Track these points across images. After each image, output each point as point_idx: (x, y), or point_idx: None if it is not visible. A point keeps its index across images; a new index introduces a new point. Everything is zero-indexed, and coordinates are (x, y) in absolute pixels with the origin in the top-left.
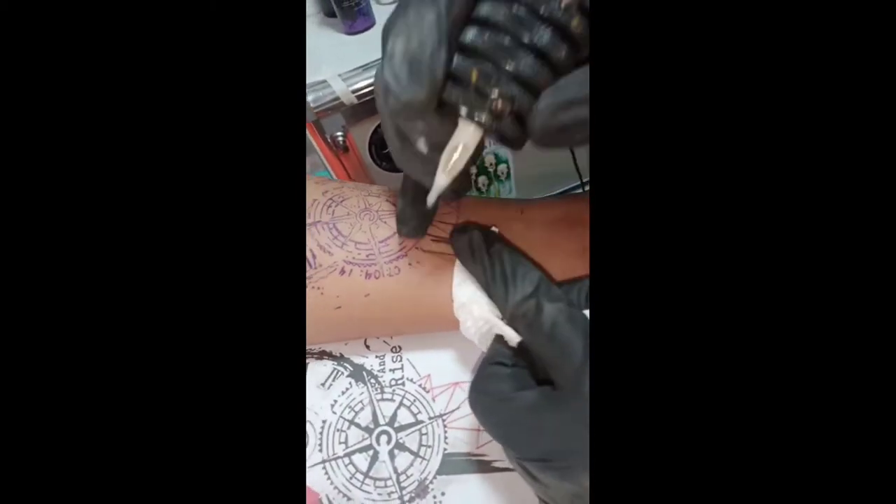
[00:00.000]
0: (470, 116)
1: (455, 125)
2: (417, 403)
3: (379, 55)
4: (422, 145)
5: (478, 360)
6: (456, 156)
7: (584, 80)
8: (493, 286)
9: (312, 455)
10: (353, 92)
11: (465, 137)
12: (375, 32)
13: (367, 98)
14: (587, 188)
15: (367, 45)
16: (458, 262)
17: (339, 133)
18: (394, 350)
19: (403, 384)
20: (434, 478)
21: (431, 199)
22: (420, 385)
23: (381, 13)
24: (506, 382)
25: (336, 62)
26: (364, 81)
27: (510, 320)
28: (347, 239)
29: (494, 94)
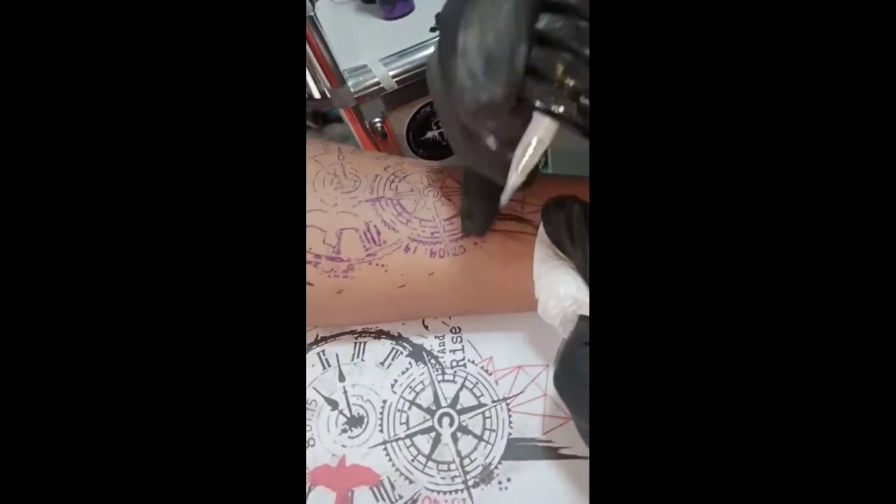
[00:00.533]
0: (552, 112)
1: (526, 119)
2: (480, 386)
3: (418, 39)
4: (491, 142)
5: (553, 345)
6: (530, 152)
7: None
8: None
9: (373, 435)
10: (394, 77)
11: (541, 132)
12: (414, 17)
13: (408, 83)
14: None
15: (407, 31)
16: (539, 236)
17: (377, 119)
18: (453, 331)
19: (465, 366)
20: (499, 463)
21: (505, 199)
22: (482, 367)
23: None
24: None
25: (375, 48)
26: (404, 66)
27: None
28: (412, 215)
29: (580, 87)
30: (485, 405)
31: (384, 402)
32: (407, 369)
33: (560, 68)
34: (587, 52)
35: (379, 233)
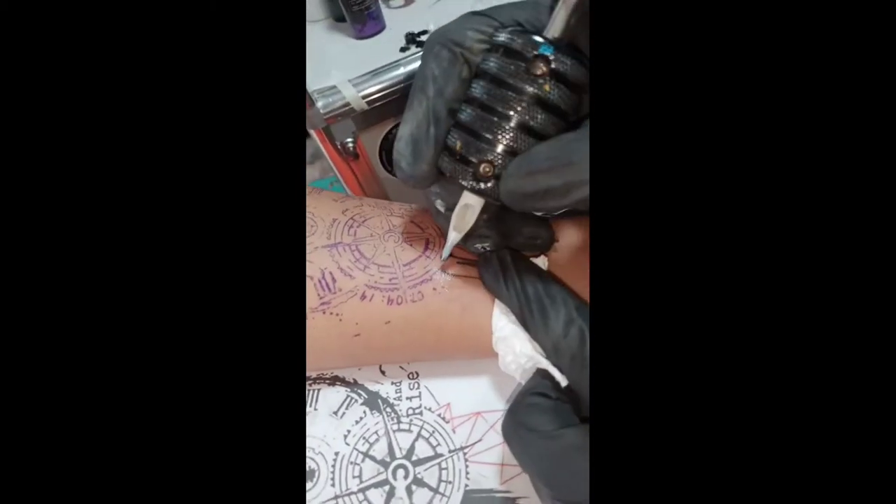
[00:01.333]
0: (459, 181)
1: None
2: (437, 435)
3: (390, 59)
4: (439, 206)
5: (514, 389)
6: (464, 216)
7: (555, 148)
8: (529, 314)
9: (324, 490)
10: (364, 97)
11: (470, 199)
12: (386, 37)
13: (378, 104)
14: None
15: (378, 50)
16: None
17: (349, 139)
18: (410, 376)
19: (421, 414)
20: None
21: (445, 254)
22: (439, 415)
23: (392, 17)
24: (548, 416)
25: (346, 67)
26: (374, 87)
27: (552, 352)
28: (370, 262)
29: (477, 159)
30: (441, 455)
31: (336, 454)
32: (361, 418)
33: (458, 144)
34: (488, 135)
35: (335, 280)
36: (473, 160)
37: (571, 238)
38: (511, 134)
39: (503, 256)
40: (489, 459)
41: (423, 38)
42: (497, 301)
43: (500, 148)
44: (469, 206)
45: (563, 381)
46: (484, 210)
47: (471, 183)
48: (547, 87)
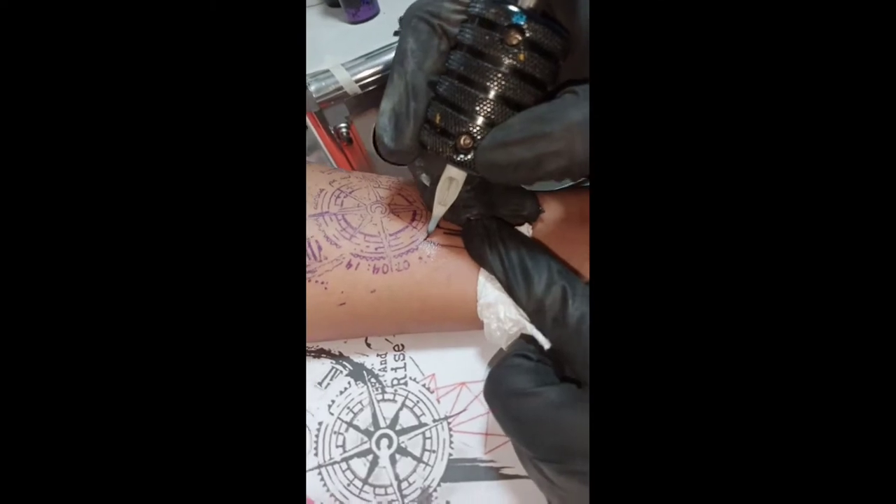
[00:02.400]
0: (440, 154)
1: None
2: (421, 405)
3: (384, 43)
4: (424, 179)
5: (494, 356)
6: (448, 189)
7: (528, 120)
8: (513, 277)
9: (308, 460)
10: (357, 81)
11: (453, 172)
12: (380, 21)
13: (372, 88)
14: None
15: (372, 34)
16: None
17: (342, 124)
18: (396, 348)
19: (406, 384)
20: (438, 485)
21: (430, 227)
22: (424, 385)
23: (386, 2)
24: (528, 376)
25: (339, 52)
26: (368, 71)
27: (534, 314)
28: (357, 231)
29: (456, 132)
30: (425, 425)
31: (320, 424)
32: (345, 389)
33: (438, 117)
34: (466, 107)
35: (320, 248)
36: (453, 132)
37: (556, 210)
38: (489, 105)
39: (488, 223)
40: (473, 429)
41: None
42: (482, 269)
43: (479, 120)
44: (452, 179)
45: (546, 344)
46: (467, 182)
47: (451, 155)
48: (522, 57)
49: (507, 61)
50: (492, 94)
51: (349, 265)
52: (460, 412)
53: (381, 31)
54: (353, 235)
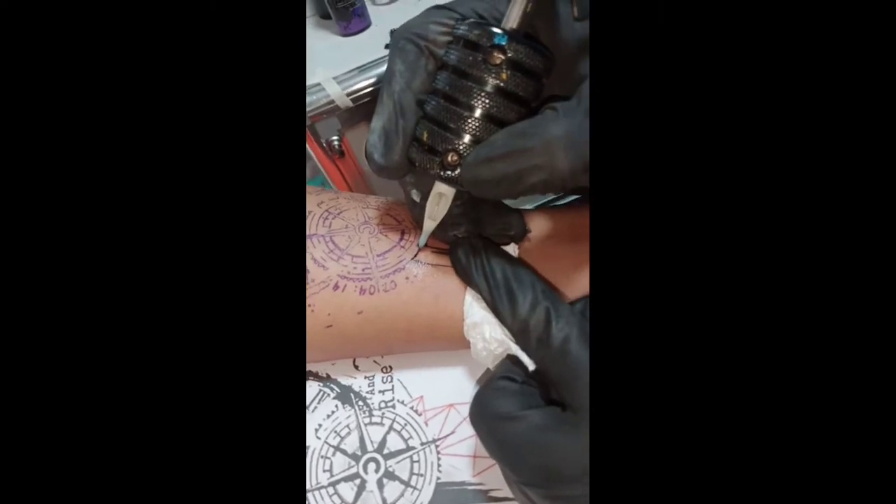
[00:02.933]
0: (428, 170)
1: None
2: (409, 428)
3: (375, 56)
4: (414, 195)
5: (481, 376)
6: (437, 204)
7: (510, 136)
8: (498, 297)
9: None
10: (349, 95)
11: (442, 188)
12: (371, 34)
13: (363, 101)
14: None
15: (363, 47)
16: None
17: (334, 137)
18: (384, 370)
19: (394, 407)
20: None
21: (421, 241)
22: (412, 408)
23: (377, 14)
24: (514, 398)
25: (331, 64)
26: (360, 84)
27: (519, 334)
28: (344, 252)
29: (443, 149)
30: (413, 448)
31: (307, 448)
32: (333, 412)
33: (425, 134)
34: (452, 125)
35: (308, 271)
36: (440, 150)
37: (544, 226)
38: (474, 123)
39: (475, 242)
40: (461, 451)
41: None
42: (469, 289)
43: (465, 137)
44: (442, 195)
45: (531, 366)
46: (457, 198)
47: (438, 172)
48: (504, 76)
49: (490, 81)
50: (477, 113)
51: (336, 287)
52: (448, 434)
53: (372, 44)
54: (341, 257)
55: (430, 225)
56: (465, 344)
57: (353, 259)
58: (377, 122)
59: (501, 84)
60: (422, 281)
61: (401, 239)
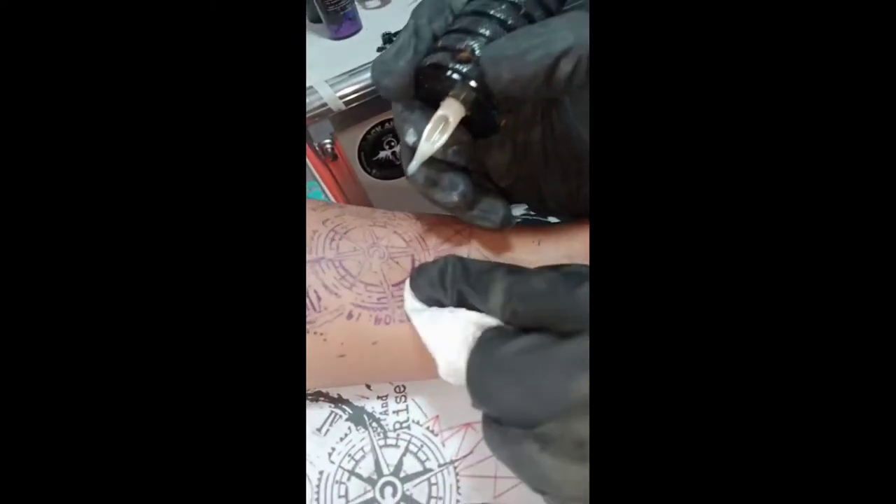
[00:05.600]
0: (440, 68)
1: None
2: (425, 449)
3: (367, 59)
4: (411, 136)
5: None
6: (439, 128)
7: (530, 27)
8: (471, 293)
9: None
10: (341, 98)
11: (448, 111)
12: (362, 37)
13: (355, 104)
14: None
15: (354, 50)
16: (406, 287)
17: (327, 141)
18: (398, 390)
19: (409, 427)
20: None
21: (412, 167)
22: (428, 428)
23: (368, 18)
24: (501, 338)
25: (322, 68)
26: (351, 87)
27: (502, 310)
28: (357, 279)
29: (458, 47)
30: (430, 470)
31: (321, 473)
32: (346, 435)
33: (440, 42)
34: (470, 28)
35: (319, 298)
36: (455, 48)
37: (556, 246)
38: (490, 27)
39: (448, 264)
40: (481, 472)
41: None
42: (406, 295)
43: (481, 37)
44: (446, 119)
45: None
46: (461, 124)
47: (452, 64)
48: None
49: (506, 2)
50: (493, 20)
51: (350, 316)
52: (467, 455)
53: (363, 48)
54: (354, 284)
55: (426, 148)
56: None
57: (367, 287)
58: (392, 46)
59: (518, 2)
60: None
61: (412, 268)
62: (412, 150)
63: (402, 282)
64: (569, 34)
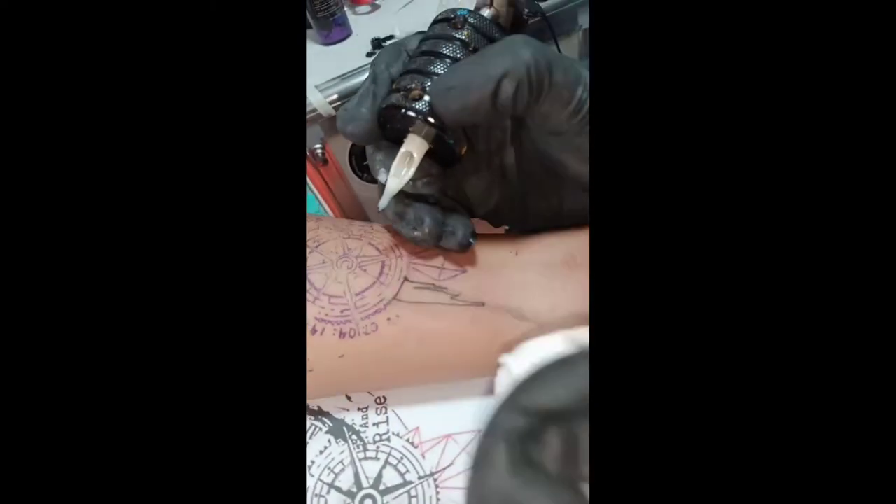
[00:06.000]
0: (396, 108)
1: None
2: (405, 461)
3: (356, 65)
4: (382, 175)
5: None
6: (404, 163)
7: (455, 68)
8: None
9: None
10: (331, 103)
11: (411, 146)
12: (352, 42)
13: None
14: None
15: (344, 56)
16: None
17: (317, 146)
18: (378, 401)
19: (389, 439)
20: None
21: (382, 203)
22: (408, 440)
23: (357, 23)
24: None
25: (312, 73)
26: (341, 92)
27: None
28: (321, 293)
29: (411, 87)
30: (410, 483)
31: None
32: (325, 448)
33: (398, 81)
34: (423, 69)
35: None
36: (409, 87)
37: (537, 252)
38: (442, 66)
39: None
40: (461, 484)
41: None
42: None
43: (433, 75)
44: (410, 155)
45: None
46: (426, 157)
47: (406, 103)
48: (467, 34)
49: (456, 36)
50: (444, 59)
51: (314, 331)
52: (447, 467)
53: (353, 53)
54: (317, 298)
55: (393, 183)
56: (458, 376)
57: (331, 300)
58: (355, 96)
59: (465, 39)
60: (404, 322)
61: (380, 273)
62: (384, 186)
63: (367, 289)
64: (506, 58)
